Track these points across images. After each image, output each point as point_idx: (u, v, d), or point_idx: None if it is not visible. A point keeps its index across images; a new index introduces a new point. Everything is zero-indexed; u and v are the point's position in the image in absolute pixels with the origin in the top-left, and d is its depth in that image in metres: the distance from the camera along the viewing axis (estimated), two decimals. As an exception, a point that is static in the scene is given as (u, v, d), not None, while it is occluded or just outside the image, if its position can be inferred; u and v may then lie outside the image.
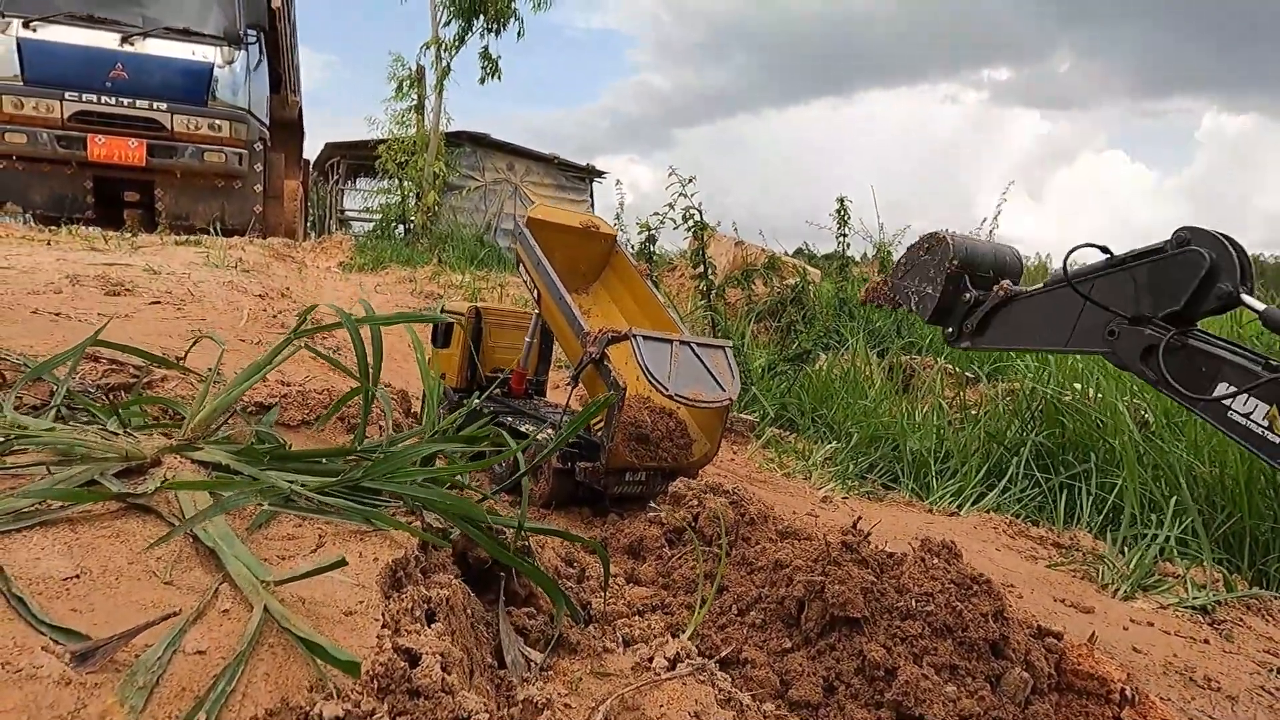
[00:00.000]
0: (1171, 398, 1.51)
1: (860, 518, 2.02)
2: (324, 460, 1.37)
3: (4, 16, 10.23)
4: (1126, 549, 3.21)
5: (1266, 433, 1.29)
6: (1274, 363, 1.33)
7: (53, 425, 1.18)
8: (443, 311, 3.32)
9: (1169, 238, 1.52)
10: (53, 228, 8.82)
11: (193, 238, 8.40)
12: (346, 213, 23.02)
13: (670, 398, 2.38)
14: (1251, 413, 1.31)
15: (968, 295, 1.85)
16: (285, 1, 13.50)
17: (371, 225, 19.63)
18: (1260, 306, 1.39)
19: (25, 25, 10.23)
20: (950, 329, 1.89)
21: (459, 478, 1.56)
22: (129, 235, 7.75)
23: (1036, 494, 4.04)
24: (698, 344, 2.55)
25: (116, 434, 1.26)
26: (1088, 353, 1.63)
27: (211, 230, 10.10)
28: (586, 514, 2.69)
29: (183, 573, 1.00)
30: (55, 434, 1.11)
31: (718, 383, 2.50)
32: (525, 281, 2.81)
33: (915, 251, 1.97)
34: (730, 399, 2.51)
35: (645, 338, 2.43)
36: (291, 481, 1.25)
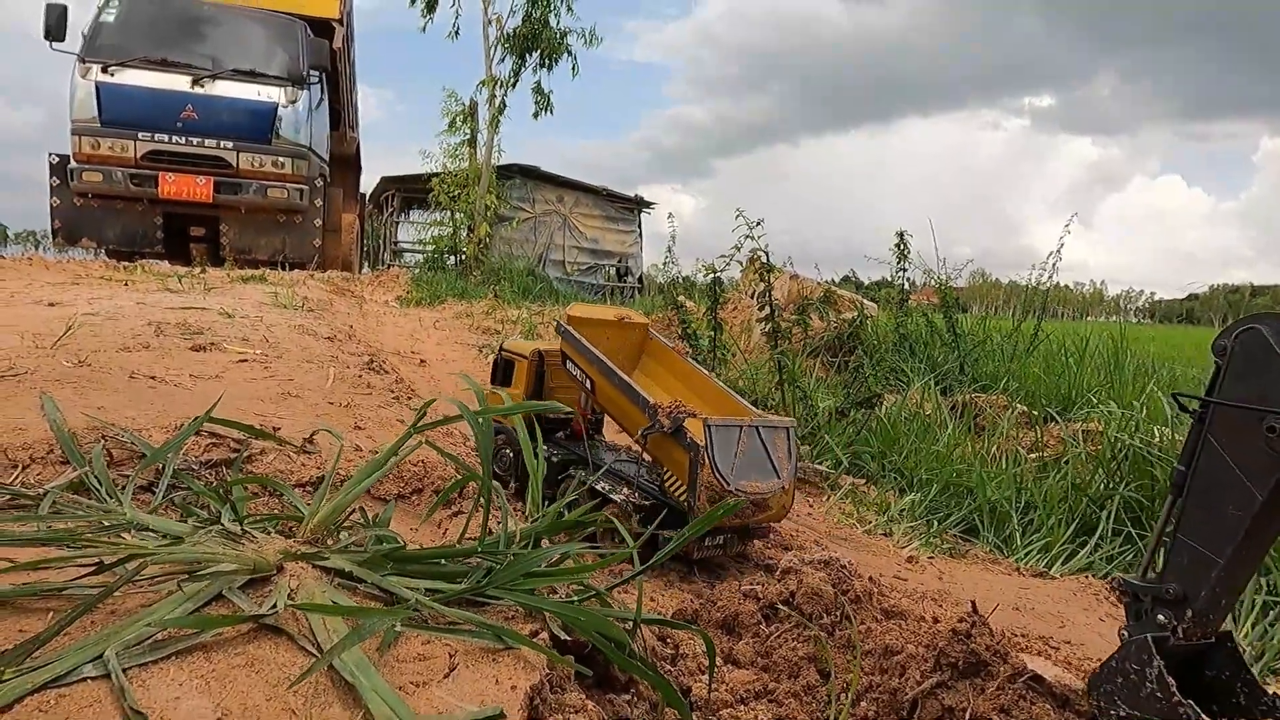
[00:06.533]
0: None
1: (976, 608, 1.89)
2: (443, 561, 1.31)
3: (84, 62, 10.70)
4: (1239, 620, 2.99)
5: None
6: None
7: (179, 536, 1.14)
8: (502, 350, 3.43)
9: (1218, 346, 1.50)
10: (125, 263, 9.11)
11: (257, 272, 8.59)
12: (400, 244, 23.45)
13: (730, 492, 2.46)
14: None
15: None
16: (345, 42, 13.91)
17: (424, 257, 19.96)
18: None
19: (104, 70, 10.67)
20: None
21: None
22: (199, 271, 7.96)
23: (1130, 550, 3.80)
24: (763, 426, 2.62)
25: (236, 535, 1.22)
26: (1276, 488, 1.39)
27: (277, 264, 10.35)
28: (673, 578, 2.59)
29: (321, 709, 0.94)
30: (184, 549, 1.07)
31: (775, 469, 2.59)
32: (574, 375, 2.91)
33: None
34: (784, 486, 2.60)
35: (718, 426, 2.49)
36: (414, 589, 1.19)
